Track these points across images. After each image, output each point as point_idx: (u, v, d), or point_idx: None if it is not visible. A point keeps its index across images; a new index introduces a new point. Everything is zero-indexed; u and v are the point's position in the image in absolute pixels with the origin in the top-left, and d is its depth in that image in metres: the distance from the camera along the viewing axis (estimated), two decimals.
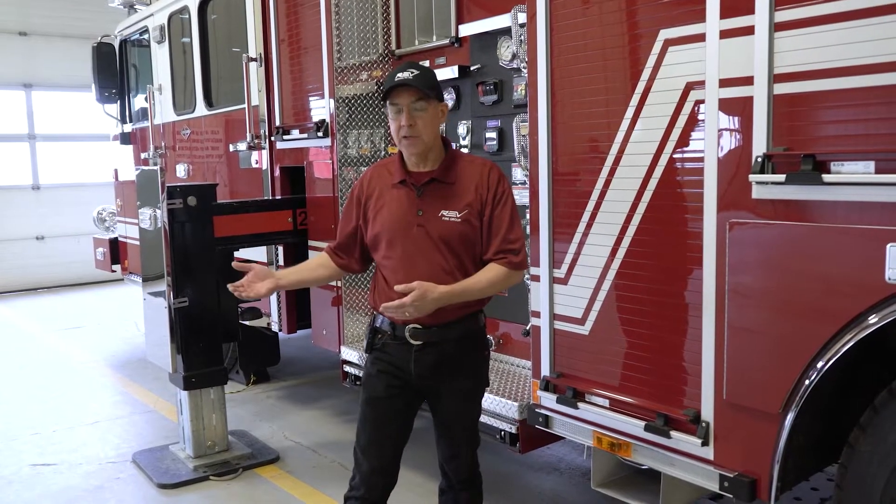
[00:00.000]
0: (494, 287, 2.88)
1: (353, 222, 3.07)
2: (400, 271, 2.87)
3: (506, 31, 3.85)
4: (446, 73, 4.25)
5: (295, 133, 5.27)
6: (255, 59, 5.56)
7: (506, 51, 3.92)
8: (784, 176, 2.49)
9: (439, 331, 2.87)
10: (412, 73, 2.82)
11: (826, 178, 2.40)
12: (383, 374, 2.97)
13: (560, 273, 3.37)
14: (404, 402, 3.00)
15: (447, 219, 2.85)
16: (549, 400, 3.45)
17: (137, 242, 5.68)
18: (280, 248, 5.66)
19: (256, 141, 5.65)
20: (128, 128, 8.35)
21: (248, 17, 5.62)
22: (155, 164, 7.21)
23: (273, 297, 5.71)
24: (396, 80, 2.81)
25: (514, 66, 3.83)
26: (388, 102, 2.87)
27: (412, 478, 4.31)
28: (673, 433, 2.93)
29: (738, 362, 2.70)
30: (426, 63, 4.35)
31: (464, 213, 2.85)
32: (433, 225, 2.85)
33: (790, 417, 2.56)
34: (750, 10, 2.57)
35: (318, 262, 3.21)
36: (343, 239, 3.12)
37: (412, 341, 2.88)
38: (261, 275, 3.03)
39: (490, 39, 4.08)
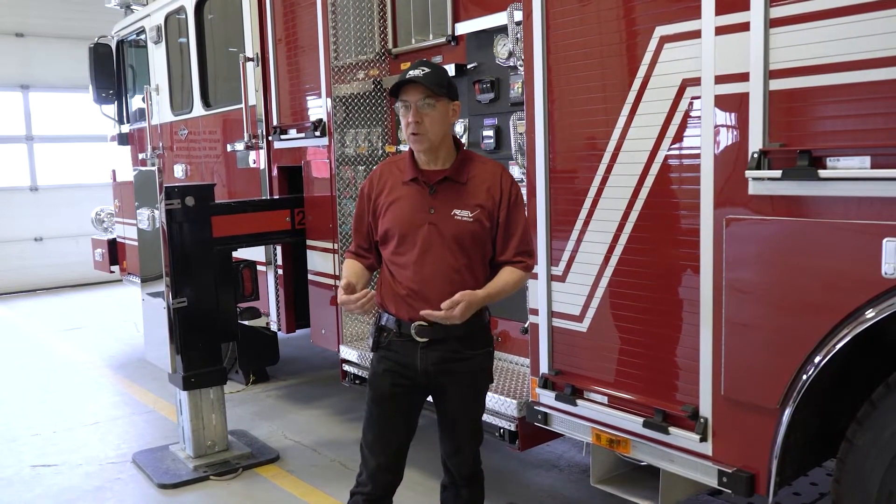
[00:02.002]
0: (516, 288, 2.98)
1: (366, 219, 3.07)
2: (409, 268, 2.89)
3: (502, 30, 3.85)
4: None
5: (292, 133, 5.28)
6: (252, 59, 5.56)
7: (502, 49, 3.92)
8: (780, 172, 2.50)
9: (444, 328, 2.88)
10: (422, 70, 2.84)
11: (822, 173, 2.41)
12: (389, 372, 2.98)
13: (558, 270, 3.37)
14: (409, 400, 3.02)
15: (459, 218, 2.87)
16: (547, 397, 3.45)
17: (136, 243, 5.68)
18: (278, 248, 5.66)
19: (254, 141, 5.66)
20: (125, 128, 8.35)
21: (245, 16, 5.62)
22: (152, 165, 7.21)
23: (272, 297, 5.72)
24: (408, 76, 2.83)
25: (511, 64, 3.84)
26: (398, 99, 2.88)
27: (413, 476, 4.29)
28: (671, 429, 2.94)
29: (736, 358, 2.71)
30: None
31: (475, 212, 2.87)
32: (445, 223, 2.87)
33: (788, 412, 2.57)
34: (745, 7, 2.57)
35: (356, 265, 3.09)
36: (360, 239, 3.11)
37: (418, 338, 2.89)
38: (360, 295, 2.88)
39: (486, 38, 4.08)
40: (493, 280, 2.92)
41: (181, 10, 6.62)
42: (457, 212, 2.87)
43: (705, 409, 2.84)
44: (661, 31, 2.87)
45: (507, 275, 2.93)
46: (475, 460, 3.11)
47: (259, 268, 5.67)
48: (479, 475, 3.15)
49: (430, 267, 2.85)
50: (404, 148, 3.08)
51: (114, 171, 8.63)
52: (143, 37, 7.46)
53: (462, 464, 3.08)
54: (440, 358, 2.90)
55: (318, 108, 5.01)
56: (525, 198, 3.45)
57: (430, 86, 2.82)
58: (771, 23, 2.52)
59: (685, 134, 2.83)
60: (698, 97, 2.76)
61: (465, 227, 2.86)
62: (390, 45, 4.83)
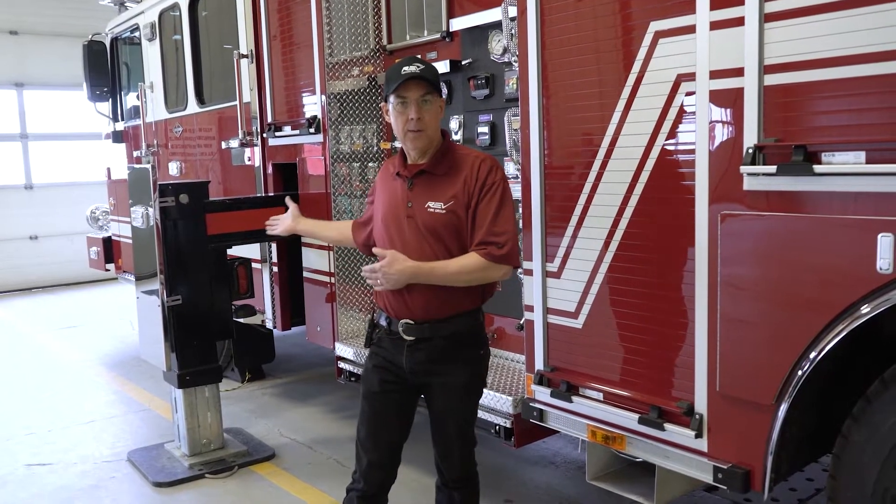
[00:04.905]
0: (466, 274, 2.84)
1: (369, 214, 3.20)
2: None
3: (497, 25, 3.84)
4: (438, 67, 4.20)
5: (287, 129, 5.26)
6: (246, 56, 5.53)
7: (497, 45, 3.91)
8: (775, 167, 2.49)
9: (432, 327, 2.87)
10: (418, 66, 2.82)
11: (817, 168, 2.40)
12: (379, 368, 2.99)
13: (553, 267, 3.36)
14: (400, 398, 3.00)
15: (432, 210, 2.86)
16: (543, 394, 3.45)
17: (131, 241, 5.66)
18: (273, 245, 5.65)
19: (248, 138, 5.64)
20: (120, 126, 8.31)
21: (239, 13, 5.60)
22: (147, 163, 7.18)
23: (267, 294, 5.70)
24: (405, 72, 2.79)
25: (506, 60, 3.82)
26: (393, 96, 2.85)
27: (408, 473, 4.30)
28: (667, 426, 2.93)
29: (731, 354, 2.70)
30: None
31: (449, 204, 2.85)
32: (421, 216, 2.87)
33: (783, 408, 2.56)
34: (740, 1, 2.56)
35: (337, 225, 3.62)
36: (363, 219, 3.30)
37: (405, 337, 2.89)
38: (293, 213, 3.97)
39: (481, 34, 4.07)
40: (442, 260, 2.85)
41: (175, 6, 6.59)
42: (430, 204, 2.87)
43: (700, 405, 2.83)
44: (655, 26, 2.86)
45: (458, 259, 2.84)
46: (466, 464, 3.07)
47: (254, 265, 5.67)
48: (472, 479, 3.11)
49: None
50: (399, 145, 3.08)
51: (109, 169, 8.60)
52: (137, 34, 7.43)
53: (451, 467, 3.05)
54: (426, 358, 2.89)
55: (312, 104, 4.99)
56: (520, 193, 3.46)
57: (432, 81, 2.82)
58: (765, 18, 2.51)
59: (680, 130, 2.82)
60: (693, 93, 2.75)
61: (438, 219, 2.85)
62: (385, 41, 4.81)
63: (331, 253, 4.89)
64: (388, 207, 2.97)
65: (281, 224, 4.04)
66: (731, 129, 2.65)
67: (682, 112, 2.80)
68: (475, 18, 4.05)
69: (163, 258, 4.57)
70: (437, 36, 4.37)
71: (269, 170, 5.63)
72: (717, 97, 2.68)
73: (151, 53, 7.14)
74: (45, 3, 11.92)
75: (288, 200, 4.12)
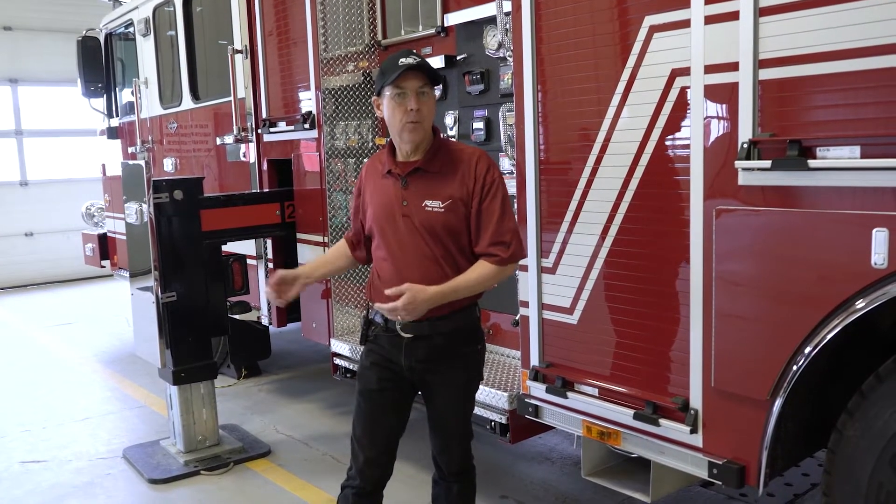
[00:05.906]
0: (485, 284, 2.85)
1: (359, 216, 3.11)
2: (389, 261, 2.89)
3: (492, 20, 3.82)
4: (433, 62, 4.20)
5: (282, 125, 5.24)
6: (240, 52, 5.52)
7: (492, 40, 3.90)
8: (770, 162, 2.49)
9: (430, 324, 2.85)
10: (416, 58, 2.80)
11: (812, 163, 2.40)
12: (376, 366, 2.96)
13: (548, 263, 3.36)
14: (397, 394, 2.99)
15: (430, 209, 2.83)
16: (538, 390, 3.44)
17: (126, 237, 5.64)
18: (268, 242, 5.64)
19: (243, 134, 5.63)
20: (115, 122, 8.30)
21: (234, 9, 5.58)
22: (142, 159, 7.16)
23: (262, 291, 5.69)
24: (403, 63, 2.76)
25: (501, 55, 3.81)
26: (390, 88, 2.79)
27: (404, 469, 4.29)
28: (662, 421, 2.93)
29: (726, 349, 2.70)
30: None
31: (447, 203, 2.82)
32: (418, 215, 2.84)
33: (778, 403, 2.56)
34: None
35: (338, 252, 3.27)
36: (354, 231, 3.19)
37: (403, 334, 2.87)
38: (288, 279, 3.10)
39: (476, 29, 4.06)
40: (458, 276, 2.81)
41: (169, 2, 6.57)
42: (428, 203, 2.83)
43: (695, 400, 2.83)
44: (650, 20, 2.85)
45: (473, 269, 2.83)
46: (464, 456, 3.08)
47: (249, 261, 5.65)
48: (469, 471, 3.12)
49: (407, 259, 2.83)
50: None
51: (103, 166, 8.57)
52: (131, 30, 7.41)
53: (450, 461, 3.05)
54: (425, 355, 2.88)
55: (307, 100, 4.98)
56: (515, 188, 3.45)
57: (430, 73, 2.80)
58: (760, 12, 2.50)
59: (675, 124, 2.81)
60: (688, 87, 2.74)
61: (436, 218, 2.82)
62: (380, 36, 4.80)
63: (326, 249, 4.88)
64: (382, 206, 2.91)
65: (289, 293, 3.10)
66: (725, 123, 2.65)
67: (677, 107, 2.79)
68: (470, 13, 4.03)
69: (157, 255, 4.55)
70: (432, 31, 4.37)
71: (264, 166, 5.62)
72: (712, 92, 2.67)
73: (146, 49, 7.12)
74: None
75: (268, 288, 3.13)
